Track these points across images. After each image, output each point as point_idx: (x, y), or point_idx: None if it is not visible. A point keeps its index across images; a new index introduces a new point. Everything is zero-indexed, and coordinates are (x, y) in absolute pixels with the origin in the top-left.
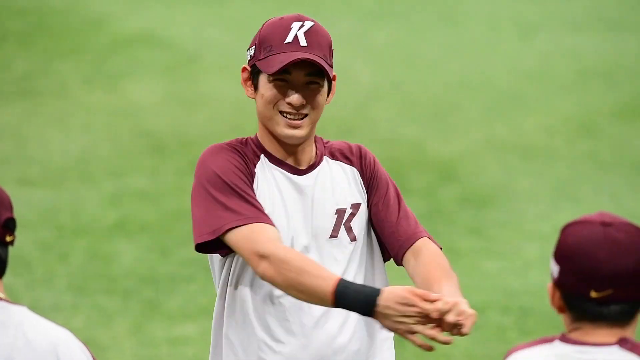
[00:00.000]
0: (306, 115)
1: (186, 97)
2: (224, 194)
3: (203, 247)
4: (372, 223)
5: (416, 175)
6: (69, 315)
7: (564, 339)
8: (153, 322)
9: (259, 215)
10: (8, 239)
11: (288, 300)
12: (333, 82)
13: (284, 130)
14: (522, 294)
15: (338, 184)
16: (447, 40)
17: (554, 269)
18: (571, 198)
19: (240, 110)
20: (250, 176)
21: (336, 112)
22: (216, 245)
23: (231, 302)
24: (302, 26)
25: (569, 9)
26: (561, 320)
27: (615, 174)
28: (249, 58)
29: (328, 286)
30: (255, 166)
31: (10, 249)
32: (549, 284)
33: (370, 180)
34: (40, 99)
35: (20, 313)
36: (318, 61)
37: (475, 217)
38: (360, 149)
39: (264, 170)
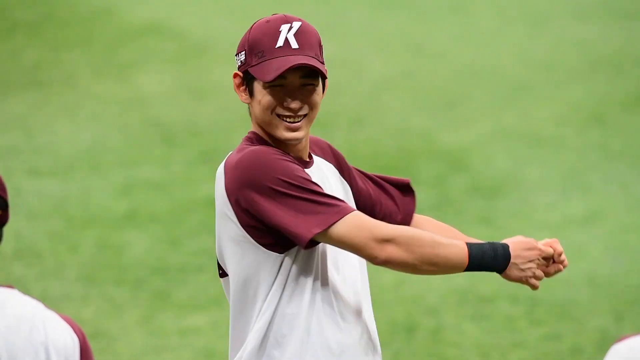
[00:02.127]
0: (304, 115)
1: (196, 87)
2: (305, 192)
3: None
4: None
5: (426, 164)
6: (79, 305)
7: None
8: (163, 313)
9: (349, 204)
10: None
11: (343, 294)
12: (326, 79)
13: (283, 134)
14: None
15: (328, 179)
16: (456, 30)
17: None
18: (581, 187)
19: None
20: None
21: (346, 102)
22: (290, 243)
23: (288, 301)
24: (290, 28)
25: None
26: (571, 311)
27: (625, 163)
28: (239, 64)
29: (463, 251)
30: None
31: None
32: None
33: (346, 174)
34: (49, 89)
35: (4, 293)
36: (313, 64)
37: (485, 207)
38: (330, 146)
39: None
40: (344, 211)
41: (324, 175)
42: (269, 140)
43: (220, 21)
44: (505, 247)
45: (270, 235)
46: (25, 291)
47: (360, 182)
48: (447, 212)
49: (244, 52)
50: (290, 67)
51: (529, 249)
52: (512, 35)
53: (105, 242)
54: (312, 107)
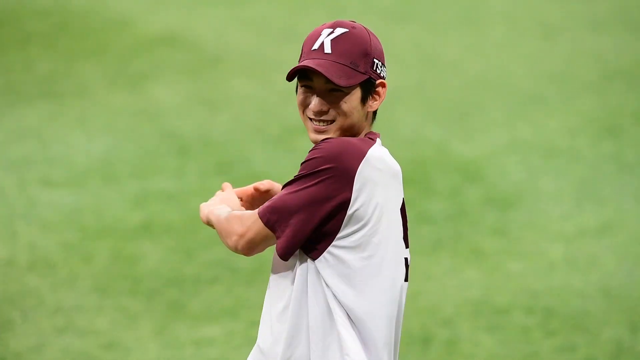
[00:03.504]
0: (332, 121)
1: (209, 99)
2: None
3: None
4: None
5: (440, 176)
6: (93, 316)
7: None
8: (177, 324)
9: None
10: None
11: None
12: (380, 87)
13: (311, 135)
14: (546, 295)
15: None
16: (469, 41)
17: None
18: (595, 199)
19: (264, 112)
20: None
21: None
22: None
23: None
24: (331, 33)
25: (591, 10)
26: (585, 322)
27: (638, 174)
28: None
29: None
30: None
31: (36, 249)
32: None
33: None
34: (63, 100)
35: None
36: (316, 69)
37: (499, 218)
38: None
39: None
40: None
41: None
42: None
43: (234, 32)
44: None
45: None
46: (39, 302)
47: None
48: (462, 223)
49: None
50: (294, 69)
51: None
52: (525, 46)
53: (119, 253)
54: (341, 114)
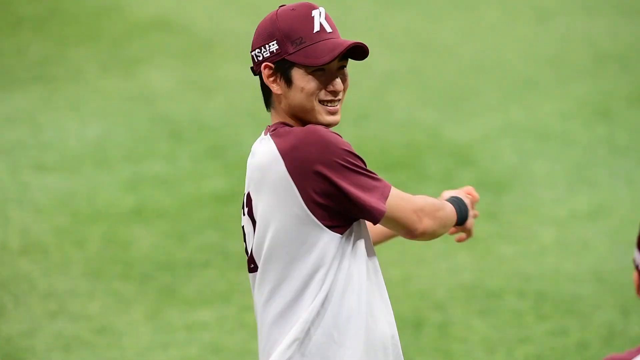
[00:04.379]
0: (339, 99)
1: (203, 83)
2: (362, 166)
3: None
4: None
5: (432, 160)
6: (85, 301)
7: None
8: (170, 308)
9: (387, 183)
10: None
11: (379, 275)
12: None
13: (326, 118)
14: (538, 279)
15: None
16: (462, 25)
17: (636, 257)
18: (587, 183)
19: (257, 96)
20: None
21: (352, 97)
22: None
23: (345, 284)
24: (320, 13)
25: None
26: (577, 306)
27: (631, 158)
28: (267, 55)
29: (453, 209)
30: None
31: (28, 234)
32: (634, 275)
33: None
34: (55, 84)
35: None
36: (365, 44)
37: (492, 202)
38: None
39: None
40: (388, 185)
41: None
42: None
43: (227, 17)
44: (460, 199)
45: (335, 216)
46: (31, 287)
47: None
48: None
49: (275, 42)
50: (347, 47)
51: (467, 195)
52: (518, 30)
53: (111, 237)
54: (345, 90)
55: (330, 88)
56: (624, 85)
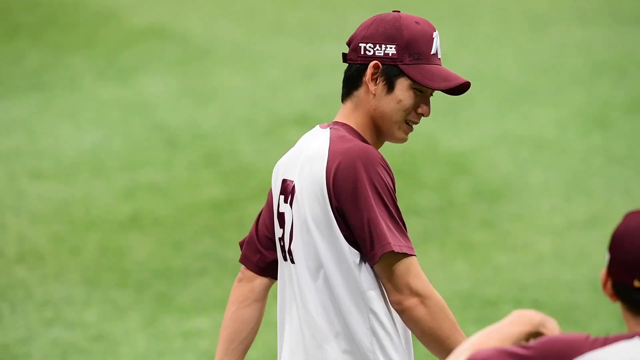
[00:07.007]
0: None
1: (199, 91)
2: (396, 214)
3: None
4: None
5: (429, 168)
6: (82, 308)
7: None
8: (166, 316)
9: (413, 249)
10: None
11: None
12: None
13: (402, 135)
14: (535, 287)
15: None
16: (458, 34)
17: (606, 256)
18: (583, 191)
19: (253, 104)
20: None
21: None
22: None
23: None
24: (437, 37)
25: (580, 2)
26: (574, 314)
27: (627, 167)
28: (381, 54)
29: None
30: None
31: (24, 242)
32: (602, 271)
33: None
34: (52, 92)
35: None
36: (469, 82)
37: (488, 211)
38: None
39: None
40: (411, 250)
41: None
42: (367, 133)
43: (223, 25)
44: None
45: (351, 232)
46: (28, 294)
47: None
48: (450, 215)
49: (394, 47)
50: (460, 84)
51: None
52: (514, 39)
53: (108, 245)
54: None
55: (420, 110)
56: (620, 94)
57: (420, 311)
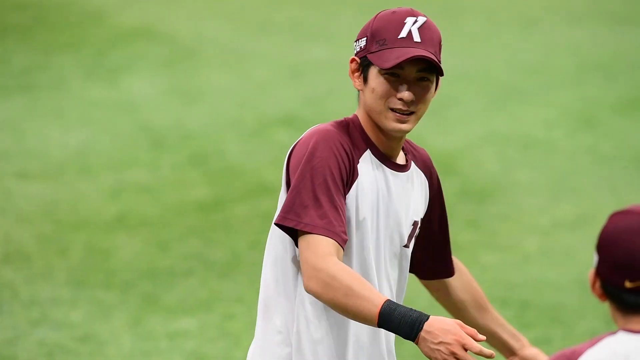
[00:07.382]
0: (413, 111)
1: (186, 91)
2: (320, 191)
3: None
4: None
5: None
6: (68, 309)
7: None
8: (152, 316)
9: (334, 228)
10: None
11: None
12: (440, 77)
13: (392, 124)
14: (521, 288)
15: (417, 193)
16: (446, 34)
17: (594, 257)
18: (571, 191)
19: (240, 104)
20: (351, 173)
21: (336, 106)
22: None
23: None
24: (415, 21)
25: (569, 2)
26: (561, 314)
27: (615, 167)
28: (357, 49)
29: (375, 308)
30: (359, 160)
31: (10, 242)
32: (590, 272)
33: (433, 197)
34: (39, 92)
35: None
36: (433, 58)
37: (475, 210)
38: (430, 160)
39: (369, 166)
40: (316, 229)
41: (411, 187)
42: (369, 129)
43: (210, 25)
44: (420, 319)
45: None
46: (14, 295)
47: (433, 214)
48: None
49: (365, 39)
50: (410, 58)
51: (448, 331)
52: (502, 38)
53: (94, 245)
54: (423, 103)
55: (399, 95)
56: (608, 94)
57: (313, 286)
